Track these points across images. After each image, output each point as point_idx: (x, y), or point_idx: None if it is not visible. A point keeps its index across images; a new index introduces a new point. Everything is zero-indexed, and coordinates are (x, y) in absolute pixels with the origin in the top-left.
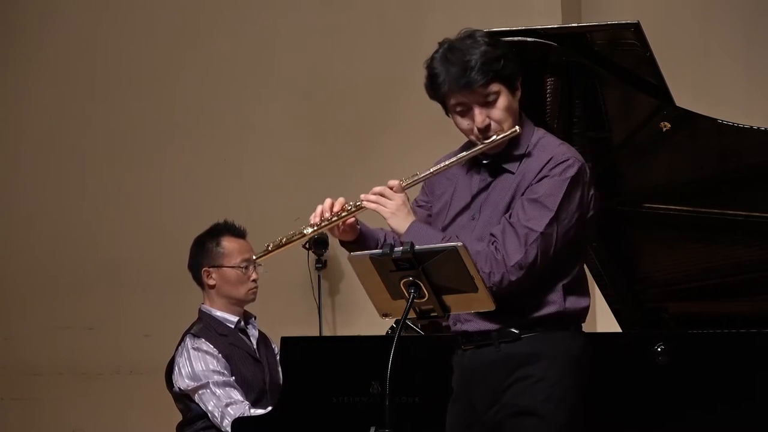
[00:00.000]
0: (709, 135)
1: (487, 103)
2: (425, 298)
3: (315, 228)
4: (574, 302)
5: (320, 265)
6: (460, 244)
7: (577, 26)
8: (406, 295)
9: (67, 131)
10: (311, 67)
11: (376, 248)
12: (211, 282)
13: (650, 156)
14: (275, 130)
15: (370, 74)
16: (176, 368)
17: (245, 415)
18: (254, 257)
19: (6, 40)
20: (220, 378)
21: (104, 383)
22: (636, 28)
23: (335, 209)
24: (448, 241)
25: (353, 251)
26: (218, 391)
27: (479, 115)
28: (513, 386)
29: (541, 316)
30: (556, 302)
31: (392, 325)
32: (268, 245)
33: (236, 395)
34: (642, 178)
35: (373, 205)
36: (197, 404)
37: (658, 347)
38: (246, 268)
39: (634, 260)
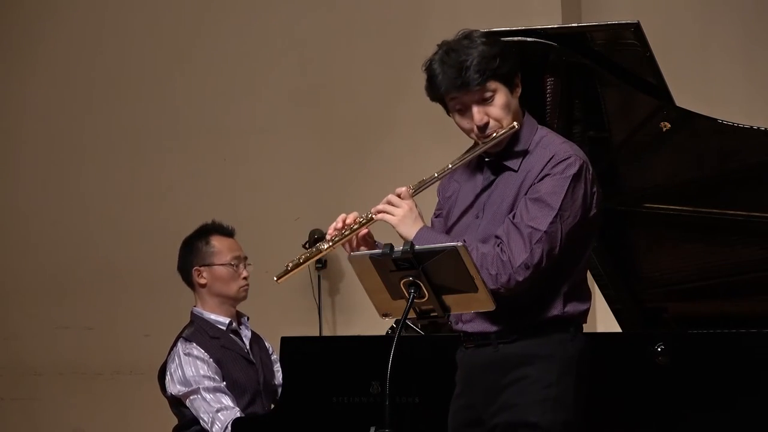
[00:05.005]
0: (709, 135)
1: (485, 102)
2: (425, 298)
3: (331, 243)
4: (574, 306)
5: (320, 265)
6: (460, 243)
7: (577, 26)
8: (406, 295)
9: (67, 131)
10: (311, 68)
11: None
12: (202, 281)
13: (650, 156)
14: (275, 130)
15: (371, 75)
16: (168, 373)
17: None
18: (275, 277)
19: (6, 40)
20: (211, 384)
21: (104, 383)
22: (636, 28)
23: (348, 222)
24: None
25: None
26: (209, 397)
27: (477, 113)
28: (510, 387)
29: (541, 320)
30: (556, 306)
31: (392, 325)
32: (288, 265)
33: (227, 401)
34: (642, 178)
35: (380, 215)
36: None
37: (658, 347)
38: (236, 265)
39: (634, 260)
